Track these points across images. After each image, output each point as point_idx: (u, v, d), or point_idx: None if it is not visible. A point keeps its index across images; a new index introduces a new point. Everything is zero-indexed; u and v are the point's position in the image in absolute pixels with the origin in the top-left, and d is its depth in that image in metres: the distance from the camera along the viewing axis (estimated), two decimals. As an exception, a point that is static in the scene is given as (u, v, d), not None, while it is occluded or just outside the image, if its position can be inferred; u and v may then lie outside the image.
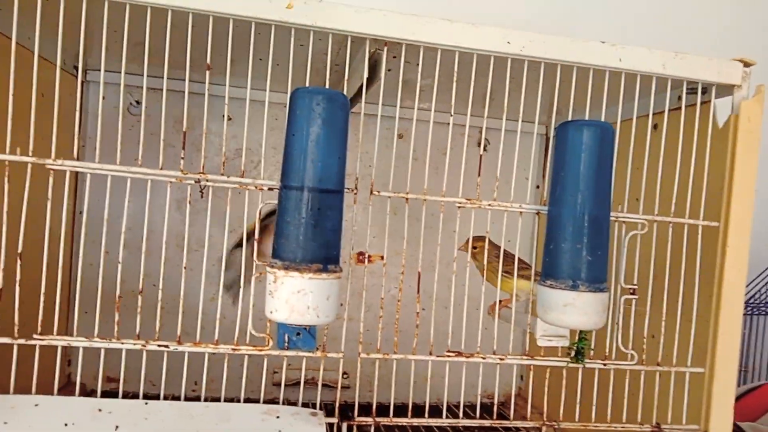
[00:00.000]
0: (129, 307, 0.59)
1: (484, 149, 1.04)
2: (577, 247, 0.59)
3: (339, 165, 0.55)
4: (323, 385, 0.67)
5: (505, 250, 0.71)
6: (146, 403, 0.59)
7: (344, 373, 1.05)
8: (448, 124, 0.65)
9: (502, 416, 1.00)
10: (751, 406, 1.09)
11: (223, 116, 0.59)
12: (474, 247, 0.72)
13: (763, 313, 1.26)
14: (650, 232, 0.68)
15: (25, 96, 0.56)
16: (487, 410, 0.96)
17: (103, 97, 0.56)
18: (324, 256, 0.55)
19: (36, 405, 0.57)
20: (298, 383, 0.88)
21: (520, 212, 0.66)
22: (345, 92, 0.61)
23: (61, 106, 0.58)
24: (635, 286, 0.67)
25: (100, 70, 0.58)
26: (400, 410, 0.65)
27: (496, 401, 0.74)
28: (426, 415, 0.64)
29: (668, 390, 0.69)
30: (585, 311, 0.58)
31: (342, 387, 0.96)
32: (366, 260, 0.67)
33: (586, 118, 0.65)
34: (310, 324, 0.55)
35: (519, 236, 0.66)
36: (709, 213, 0.68)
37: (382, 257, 0.66)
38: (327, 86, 0.61)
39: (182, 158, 0.59)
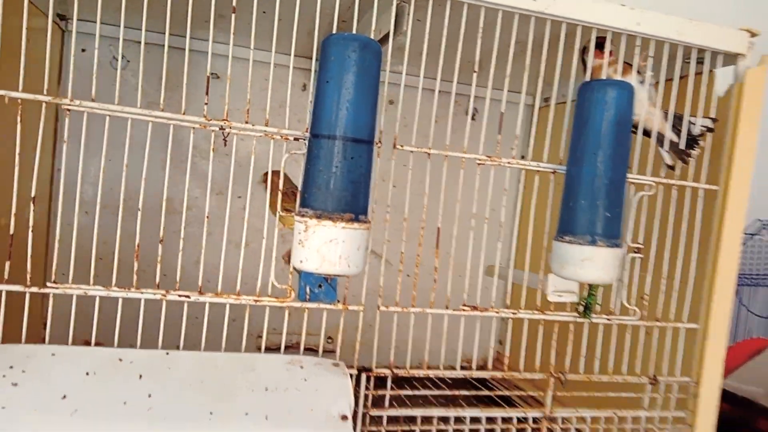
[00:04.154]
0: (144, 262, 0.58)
1: (473, 118, 1.06)
2: (596, 204, 0.61)
3: (371, 115, 0.55)
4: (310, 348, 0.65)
5: (292, 184, 0.67)
6: (167, 353, 0.58)
7: (328, 337, 1.05)
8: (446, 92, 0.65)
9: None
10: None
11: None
12: (265, 181, 0.69)
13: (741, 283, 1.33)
14: (655, 193, 0.70)
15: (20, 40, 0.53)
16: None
17: (83, 50, 0.53)
18: (355, 206, 0.54)
19: (53, 354, 0.55)
20: (292, 347, 0.88)
21: (537, 170, 0.67)
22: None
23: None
24: (641, 245, 0.70)
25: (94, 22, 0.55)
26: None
27: (507, 355, 0.75)
28: (441, 367, 0.66)
29: (665, 344, 0.73)
30: (602, 266, 0.60)
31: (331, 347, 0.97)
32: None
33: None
34: (342, 274, 0.55)
35: (535, 193, 0.67)
36: (710, 177, 0.71)
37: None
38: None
39: (206, 104, 0.57)
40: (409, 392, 0.66)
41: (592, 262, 0.60)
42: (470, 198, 0.66)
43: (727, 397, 0.86)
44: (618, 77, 0.69)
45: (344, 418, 0.53)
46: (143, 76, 0.58)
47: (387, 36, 0.65)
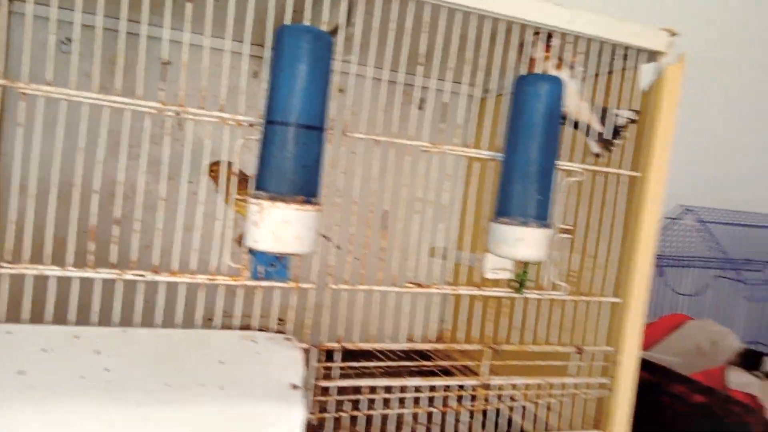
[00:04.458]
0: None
1: (420, 107, 1.10)
2: (528, 188, 0.66)
3: (323, 103, 0.58)
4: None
5: (241, 173, 0.68)
6: (124, 331, 0.60)
7: (280, 319, 1.09)
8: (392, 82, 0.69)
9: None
10: (645, 339, 1.26)
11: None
12: (212, 171, 0.72)
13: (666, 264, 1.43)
14: (584, 179, 0.76)
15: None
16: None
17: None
18: (307, 189, 0.58)
19: (8, 333, 0.56)
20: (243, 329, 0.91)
21: (477, 157, 0.72)
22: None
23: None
24: (570, 227, 0.76)
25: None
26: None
27: (449, 328, 0.81)
28: (387, 341, 0.71)
29: (590, 317, 0.80)
30: (533, 245, 0.66)
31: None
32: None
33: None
34: (294, 253, 0.58)
35: (477, 180, 0.72)
36: (633, 165, 0.78)
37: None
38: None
39: (162, 90, 0.59)
40: (358, 364, 0.71)
41: (524, 242, 0.66)
42: (417, 183, 0.70)
43: (648, 366, 0.95)
44: (552, 71, 0.75)
45: (294, 387, 0.57)
46: (89, 61, 0.59)
47: (338, 27, 0.68)
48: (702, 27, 1.51)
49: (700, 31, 1.50)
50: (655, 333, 1.28)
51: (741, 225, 1.38)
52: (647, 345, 1.27)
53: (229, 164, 0.66)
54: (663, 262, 1.40)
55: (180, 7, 0.61)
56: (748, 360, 1.08)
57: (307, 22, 0.63)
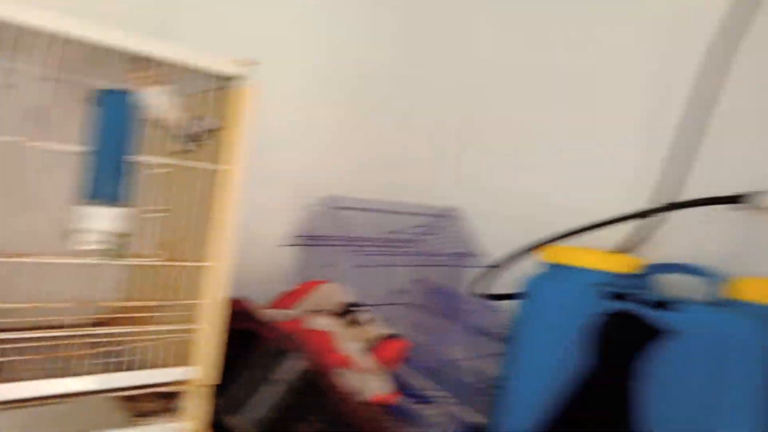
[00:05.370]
0: None
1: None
2: (105, 175, 0.86)
3: None
4: None
5: None
6: None
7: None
8: None
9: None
10: (287, 301, 1.57)
11: None
12: None
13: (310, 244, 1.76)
14: (179, 172, 0.99)
15: None
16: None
17: None
18: None
19: None
20: None
21: (73, 152, 0.89)
22: None
23: None
24: (165, 207, 0.98)
25: None
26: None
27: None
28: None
29: (190, 278, 1.03)
30: (110, 220, 0.87)
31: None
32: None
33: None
34: None
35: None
36: (223, 160, 1.03)
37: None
38: None
39: None
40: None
41: (103, 218, 0.86)
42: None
43: (252, 319, 1.23)
44: (149, 87, 0.95)
45: None
46: None
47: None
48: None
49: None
50: (297, 295, 1.60)
51: (369, 210, 1.79)
52: (290, 304, 1.58)
53: None
54: (311, 241, 1.74)
55: None
56: (349, 310, 1.44)
57: None
